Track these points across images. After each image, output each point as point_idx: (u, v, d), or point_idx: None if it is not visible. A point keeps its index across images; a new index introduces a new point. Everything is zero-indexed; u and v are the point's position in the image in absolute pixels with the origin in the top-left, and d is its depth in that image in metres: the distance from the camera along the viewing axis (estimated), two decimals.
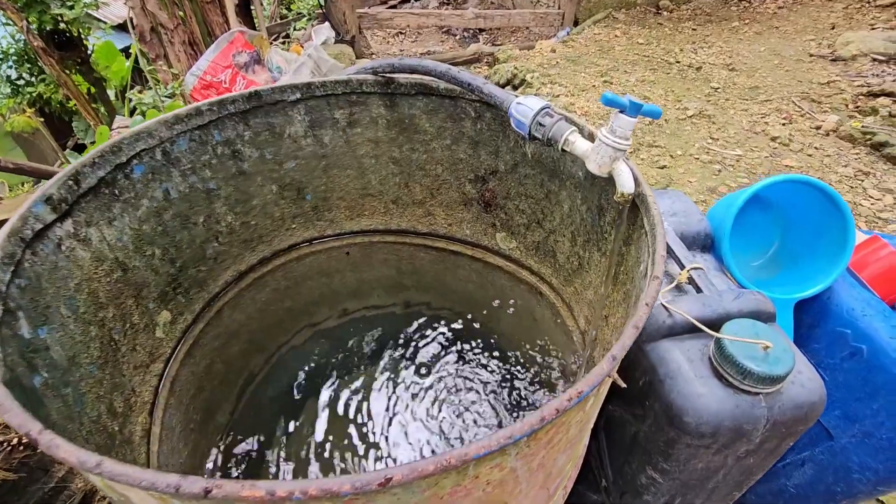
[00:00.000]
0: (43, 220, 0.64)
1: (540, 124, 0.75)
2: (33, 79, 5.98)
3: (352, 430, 1.26)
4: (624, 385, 0.50)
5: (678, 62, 3.53)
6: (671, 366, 0.75)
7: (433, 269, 1.34)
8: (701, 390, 0.71)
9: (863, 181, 2.32)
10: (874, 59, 3.27)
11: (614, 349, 0.46)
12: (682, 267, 0.87)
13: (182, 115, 0.86)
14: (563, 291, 1.10)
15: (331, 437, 1.24)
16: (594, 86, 3.26)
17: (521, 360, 1.36)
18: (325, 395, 1.35)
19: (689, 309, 0.78)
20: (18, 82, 6.00)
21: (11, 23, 4.83)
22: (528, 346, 1.33)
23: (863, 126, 2.66)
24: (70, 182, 0.69)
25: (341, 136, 1.09)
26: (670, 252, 0.89)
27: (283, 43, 5.30)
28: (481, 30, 5.85)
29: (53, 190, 0.66)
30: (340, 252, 1.28)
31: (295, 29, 5.75)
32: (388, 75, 1.01)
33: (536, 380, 1.32)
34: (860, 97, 2.94)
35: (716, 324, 0.78)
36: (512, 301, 1.27)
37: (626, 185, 0.69)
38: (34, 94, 5.96)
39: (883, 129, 2.62)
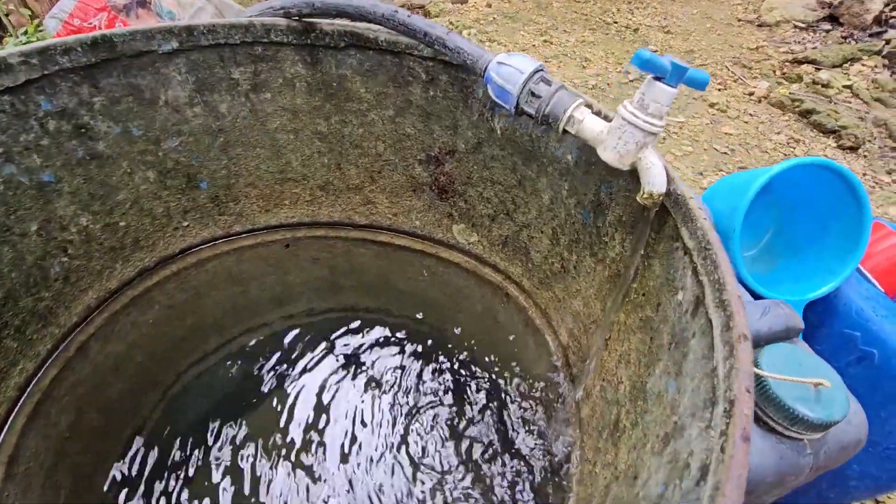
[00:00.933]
0: None
1: (533, 94, 0.53)
2: None
3: (292, 464, 1.02)
4: None
5: (616, 22, 3.41)
6: None
7: (376, 266, 1.11)
8: None
9: (795, 148, 2.36)
10: (796, 27, 3.35)
11: (730, 496, 0.27)
12: None
13: None
14: (537, 295, 0.92)
15: (262, 480, 1.00)
16: (534, 45, 3.06)
17: (483, 374, 1.18)
18: (245, 430, 1.09)
19: None
20: None
21: None
22: (491, 357, 1.15)
23: (790, 93, 2.71)
24: None
25: (244, 104, 0.80)
26: None
27: None
28: None
29: None
30: (255, 252, 1.00)
31: None
32: (306, 19, 0.73)
33: (502, 398, 1.15)
34: (786, 64, 3.00)
35: None
36: (471, 303, 1.08)
37: (656, 181, 0.50)
38: None
39: (808, 96, 2.69)
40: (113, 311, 0.82)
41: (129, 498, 0.89)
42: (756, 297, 0.79)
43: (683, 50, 3.13)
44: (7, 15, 3.04)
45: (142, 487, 0.91)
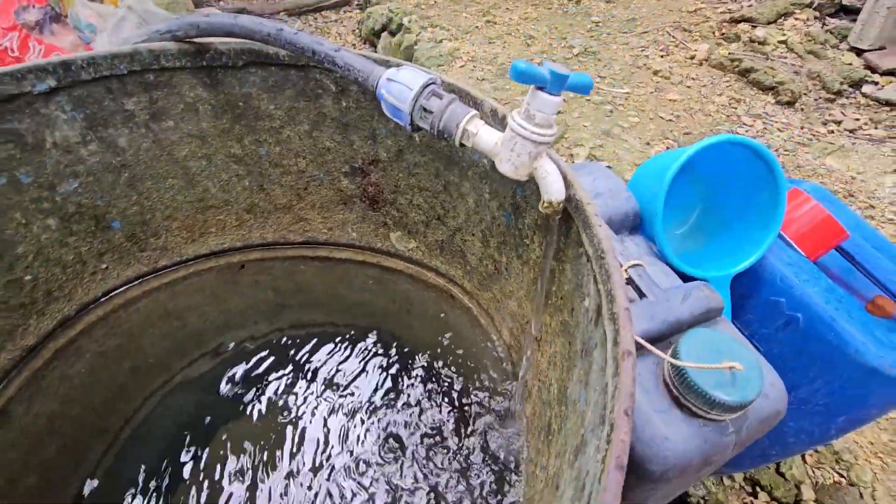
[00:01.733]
0: None
1: (425, 110, 0.51)
2: None
3: (257, 485, 1.01)
4: None
5: None
6: None
7: (320, 282, 1.09)
8: (664, 431, 0.57)
9: (736, 108, 2.41)
10: None
11: None
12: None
13: None
14: (478, 296, 0.92)
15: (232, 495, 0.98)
16: (477, 26, 3.02)
17: (440, 372, 1.18)
18: (207, 458, 1.06)
19: (635, 325, 0.63)
20: None
21: None
22: (444, 353, 1.15)
23: (729, 53, 2.76)
24: None
25: (145, 135, 0.75)
26: None
27: None
28: None
29: None
30: (189, 284, 0.97)
31: None
32: (196, 41, 0.69)
33: (462, 393, 1.16)
34: (724, 24, 3.04)
35: (666, 335, 0.65)
36: (419, 308, 1.07)
37: (553, 190, 0.49)
38: None
39: (746, 54, 2.74)
40: (34, 369, 0.78)
41: None
42: (685, 277, 0.80)
43: (625, 18, 3.13)
44: None
45: None
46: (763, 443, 0.95)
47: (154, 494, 0.96)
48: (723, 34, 2.94)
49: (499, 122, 0.57)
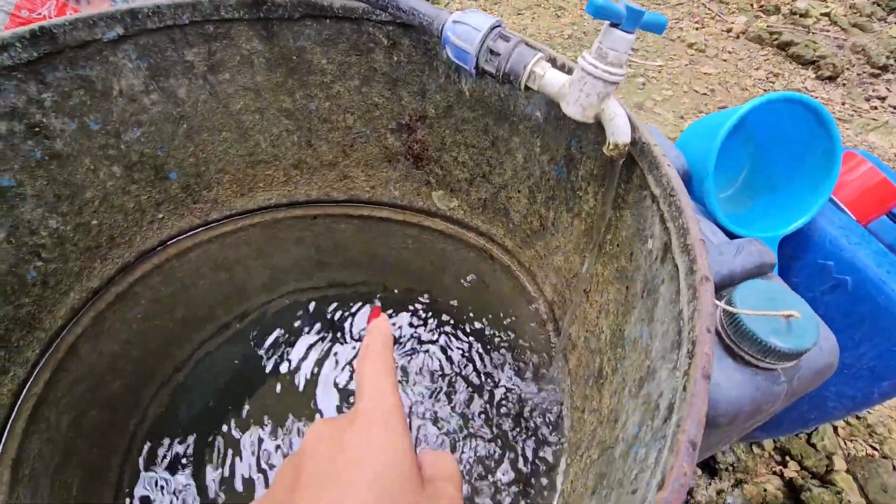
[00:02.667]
0: None
1: (492, 52, 0.52)
2: None
3: (287, 432, 1.05)
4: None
5: None
6: None
7: (359, 241, 1.11)
8: (717, 378, 0.58)
9: (774, 83, 2.34)
10: None
11: (689, 429, 0.28)
12: None
13: None
14: (520, 254, 0.93)
15: (269, 452, 1.03)
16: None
17: (476, 332, 1.20)
18: (251, 404, 1.11)
19: None
20: None
21: None
22: (482, 317, 1.17)
23: (768, 26, 2.66)
24: None
25: (203, 87, 0.77)
26: None
27: None
28: None
29: None
30: (237, 238, 1.00)
31: None
32: None
33: (500, 354, 1.18)
34: None
35: (718, 288, 0.65)
36: (458, 268, 1.08)
37: (620, 132, 0.49)
38: None
39: (786, 27, 2.64)
40: (99, 310, 0.82)
41: (141, 488, 0.91)
42: (732, 237, 0.80)
43: None
44: None
45: (153, 476, 0.94)
46: (802, 407, 0.96)
47: (196, 437, 1.02)
48: (761, 6, 2.84)
49: (558, 69, 0.57)
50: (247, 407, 1.07)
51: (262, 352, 1.13)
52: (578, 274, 0.73)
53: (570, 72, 0.52)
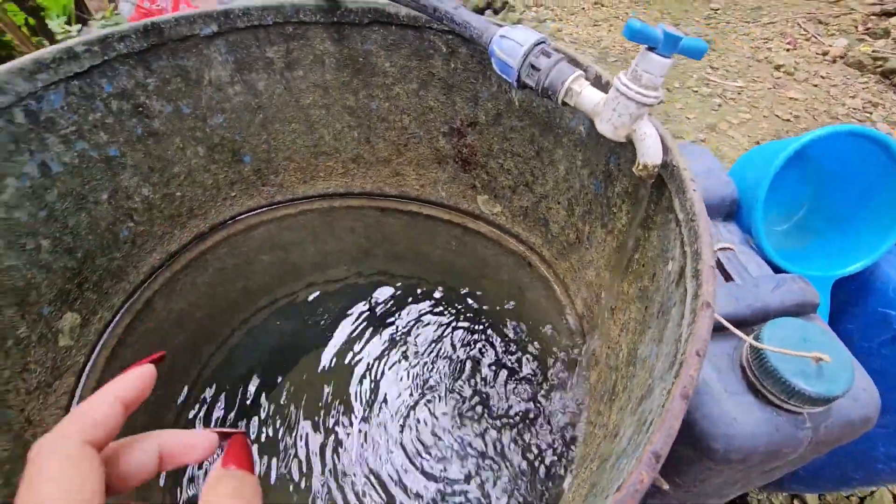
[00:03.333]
0: None
1: (533, 67, 0.54)
2: None
3: (326, 417, 1.13)
4: (667, 487, 0.36)
5: None
6: None
7: (406, 236, 1.16)
8: (734, 412, 0.57)
9: (871, 114, 2.15)
10: None
11: (657, 439, 0.30)
12: None
13: (46, 60, 0.63)
14: (556, 266, 0.94)
15: (304, 422, 1.12)
16: (584, 8, 2.93)
17: (509, 337, 1.22)
18: (294, 374, 1.21)
19: (717, 304, 0.62)
20: None
21: None
22: (515, 323, 1.19)
23: (873, 51, 2.45)
24: None
25: (279, 82, 0.86)
26: None
27: None
28: None
29: None
30: (296, 221, 1.08)
31: None
32: None
33: (527, 361, 1.19)
34: (872, 17, 2.69)
35: (750, 322, 0.64)
36: (497, 272, 1.11)
37: (650, 153, 0.51)
38: None
39: (895, 53, 2.41)
40: (174, 272, 0.93)
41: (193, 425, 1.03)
42: (779, 271, 0.77)
43: (751, 6, 2.88)
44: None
45: (202, 424, 1.05)
46: (845, 464, 0.90)
47: (247, 397, 1.12)
48: (868, 29, 2.61)
49: (602, 87, 0.59)
50: (286, 375, 1.17)
51: (307, 330, 1.23)
52: (606, 290, 0.74)
53: (604, 86, 0.54)
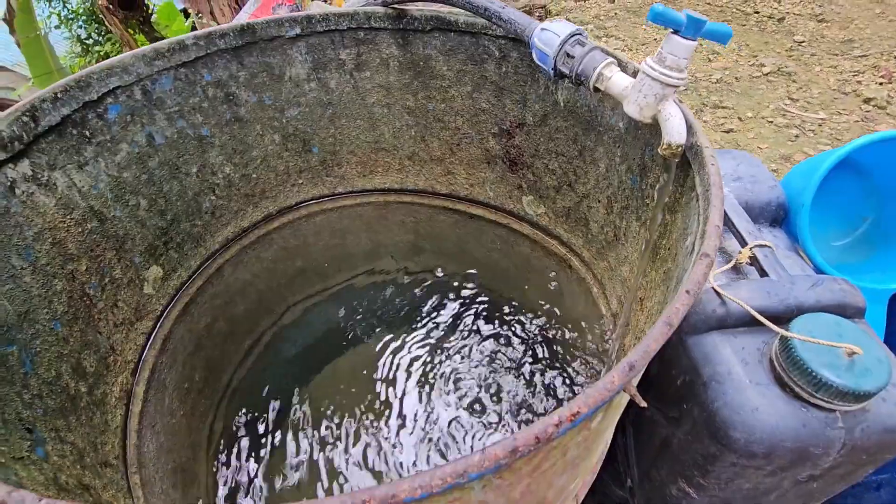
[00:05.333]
0: None
1: (568, 55, 0.59)
2: (101, 38, 6.23)
3: (365, 398, 1.19)
4: (644, 404, 0.37)
5: (757, 13, 3.09)
6: (719, 367, 0.60)
7: (453, 233, 1.22)
8: (756, 401, 0.56)
9: None
10: None
11: (632, 354, 0.33)
12: (743, 244, 0.70)
13: (163, 49, 0.77)
14: (594, 266, 0.95)
15: (344, 403, 1.18)
16: (656, 39, 2.93)
17: (547, 337, 1.23)
18: (339, 360, 1.28)
19: (748, 297, 0.62)
20: (87, 42, 6.27)
21: None
22: (555, 324, 1.19)
23: None
24: (25, 118, 0.61)
25: (349, 81, 0.96)
26: (729, 224, 0.72)
27: None
28: None
29: (2, 126, 0.58)
30: (353, 211, 1.18)
31: None
32: (398, 7, 0.87)
33: (563, 360, 1.19)
34: None
35: (783, 317, 0.62)
36: (538, 273, 1.13)
37: (674, 132, 0.53)
38: (101, 54, 6.23)
39: None
40: (243, 245, 1.05)
41: (238, 396, 1.12)
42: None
43: (840, 39, 2.74)
44: (200, 26, 3.77)
45: (249, 394, 1.15)
46: None
47: (293, 374, 1.21)
48: None
49: (632, 75, 0.62)
50: (332, 361, 1.25)
51: (354, 315, 1.31)
52: (631, 278, 0.75)
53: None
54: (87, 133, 0.71)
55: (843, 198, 0.82)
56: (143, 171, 0.81)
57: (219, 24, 3.59)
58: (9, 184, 0.60)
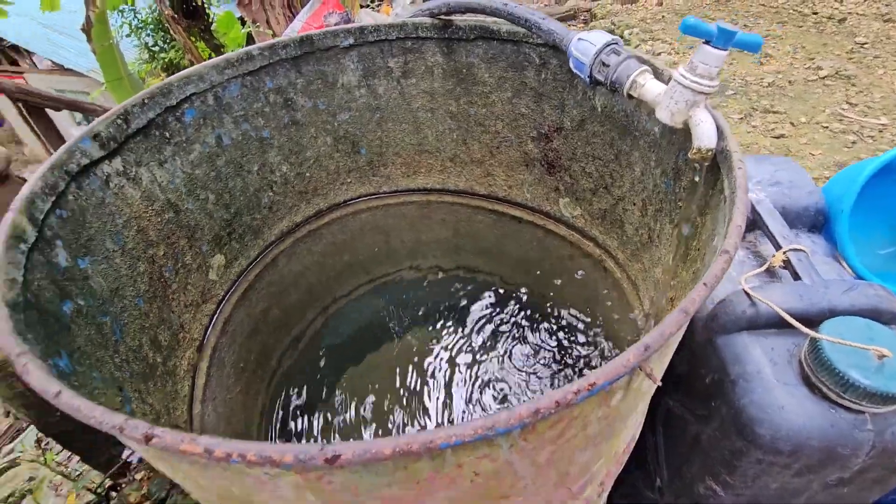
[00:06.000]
0: (90, 155, 0.66)
1: (603, 64, 0.63)
2: (165, 46, 6.70)
3: (404, 385, 1.25)
4: (659, 383, 0.41)
5: (815, 13, 2.96)
6: (748, 366, 0.62)
7: (492, 233, 1.27)
8: (784, 400, 0.58)
9: None
10: None
11: (648, 337, 0.36)
12: (777, 247, 0.71)
13: (233, 59, 0.86)
14: (629, 268, 0.97)
15: (382, 391, 1.25)
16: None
17: (579, 339, 1.25)
18: (380, 350, 1.35)
19: (780, 299, 0.63)
20: (154, 49, 6.76)
21: None
22: (588, 324, 1.21)
23: None
24: (119, 121, 0.71)
25: (396, 87, 1.03)
26: (763, 228, 0.73)
27: (373, 4, 5.31)
28: None
29: (101, 128, 0.68)
30: (397, 210, 1.25)
31: None
32: (444, 17, 0.93)
33: (595, 361, 1.21)
34: None
35: (815, 320, 0.63)
36: (573, 274, 1.16)
37: (704, 137, 0.56)
38: (166, 60, 6.70)
39: None
40: (296, 238, 1.13)
41: (288, 377, 1.21)
42: None
43: None
44: (257, 34, 3.99)
45: (296, 378, 1.23)
46: None
47: (335, 362, 1.28)
48: None
49: (665, 82, 0.65)
50: (374, 351, 1.32)
51: (395, 309, 1.37)
52: (663, 280, 0.77)
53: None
54: (167, 134, 0.80)
55: (888, 206, 0.81)
56: (212, 169, 0.90)
57: (274, 31, 3.79)
58: (105, 178, 0.69)
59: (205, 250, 0.93)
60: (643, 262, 0.91)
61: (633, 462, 0.75)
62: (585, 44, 0.64)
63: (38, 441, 2.41)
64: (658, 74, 0.64)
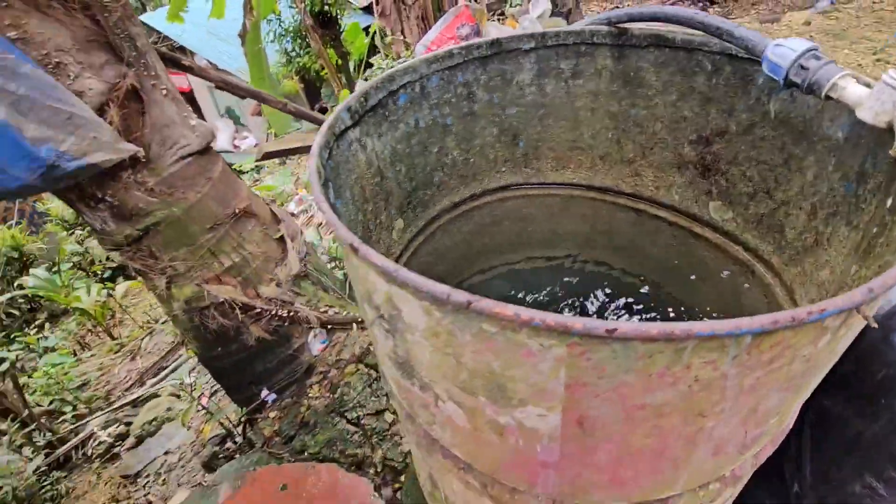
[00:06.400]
0: (345, 122, 0.84)
1: (802, 67, 0.68)
2: (301, 52, 7.53)
3: None
4: (875, 325, 0.46)
5: None
6: None
7: (629, 231, 1.32)
8: None
9: None
10: None
11: (872, 282, 0.43)
12: None
13: (439, 56, 1.02)
14: (784, 273, 0.99)
15: None
16: (861, 65, 2.65)
17: None
18: None
19: None
20: (291, 54, 7.62)
21: (294, 6, 6.14)
22: None
23: None
24: (361, 99, 0.89)
25: (563, 87, 1.14)
26: None
27: (499, 17, 5.53)
28: (712, 1, 5.18)
29: (353, 102, 0.87)
30: (540, 201, 1.35)
31: (511, 5, 5.93)
32: (622, 25, 1.02)
33: None
34: None
35: None
36: (715, 278, 1.18)
37: None
38: (300, 64, 7.53)
39: None
40: (452, 216, 1.28)
41: None
42: None
43: None
44: (389, 43, 4.35)
45: None
46: None
47: None
48: None
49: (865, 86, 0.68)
50: None
51: (526, 294, 1.47)
52: (842, 284, 0.78)
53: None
54: (386, 113, 0.98)
55: None
56: (407, 146, 1.08)
57: (407, 41, 4.12)
58: (349, 142, 0.88)
59: (392, 214, 1.10)
60: (805, 265, 0.92)
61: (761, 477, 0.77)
62: (784, 49, 0.70)
63: (190, 372, 2.83)
64: (857, 79, 0.68)
